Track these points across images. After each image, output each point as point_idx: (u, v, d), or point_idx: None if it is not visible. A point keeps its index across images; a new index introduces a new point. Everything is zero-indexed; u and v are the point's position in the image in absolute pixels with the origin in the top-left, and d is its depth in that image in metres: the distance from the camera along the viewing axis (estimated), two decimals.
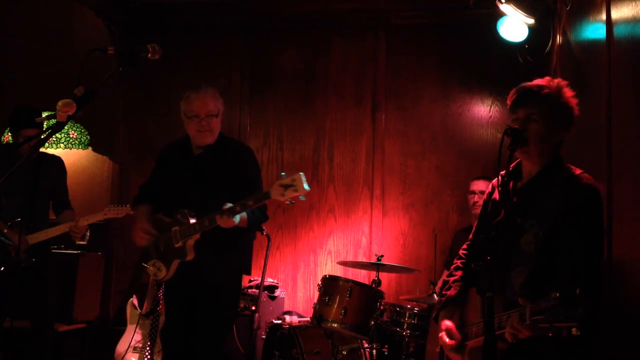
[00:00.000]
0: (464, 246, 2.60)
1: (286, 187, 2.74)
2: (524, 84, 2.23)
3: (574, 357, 2.07)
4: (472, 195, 4.34)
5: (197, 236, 3.09)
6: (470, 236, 2.60)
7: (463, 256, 2.55)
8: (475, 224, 2.60)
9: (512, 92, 2.24)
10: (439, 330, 2.43)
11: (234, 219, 2.92)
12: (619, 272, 2.37)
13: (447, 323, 2.37)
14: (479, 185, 4.30)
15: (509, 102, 2.25)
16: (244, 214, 3.03)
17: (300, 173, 2.73)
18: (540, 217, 2.13)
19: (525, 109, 2.17)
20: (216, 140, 3.31)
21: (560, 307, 1.70)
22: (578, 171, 2.17)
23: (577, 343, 2.00)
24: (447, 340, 2.34)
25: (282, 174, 2.79)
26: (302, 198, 2.75)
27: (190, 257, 3.11)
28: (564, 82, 2.21)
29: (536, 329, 1.81)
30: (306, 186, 2.71)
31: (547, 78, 2.22)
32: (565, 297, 1.71)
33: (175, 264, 3.17)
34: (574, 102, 2.19)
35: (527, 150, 2.16)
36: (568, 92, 2.19)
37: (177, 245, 3.13)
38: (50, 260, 3.99)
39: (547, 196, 2.15)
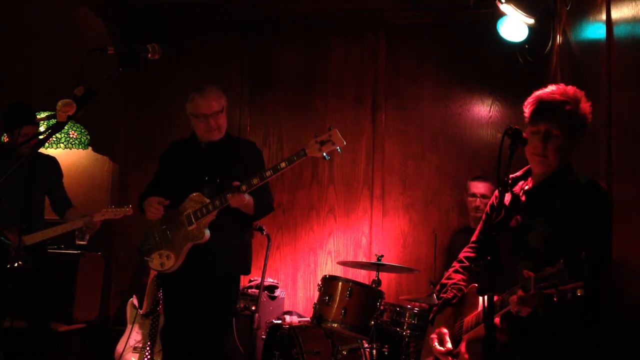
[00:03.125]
0: (466, 249, 2.60)
1: (323, 142, 2.93)
2: (543, 95, 2.22)
3: (574, 352, 2.09)
4: (474, 199, 4.27)
5: (212, 217, 3.12)
6: (474, 238, 2.60)
7: (463, 259, 2.56)
8: (479, 227, 2.61)
9: (532, 100, 2.23)
10: (432, 331, 2.43)
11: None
12: (619, 272, 2.37)
13: (443, 330, 2.37)
14: (480, 188, 4.25)
15: (527, 111, 2.24)
16: (249, 197, 3.12)
17: (335, 129, 2.95)
18: (548, 215, 2.17)
19: (546, 123, 2.18)
20: (223, 136, 3.39)
21: (565, 271, 1.73)
22: (586, 177, 2.22)
23: (578, 337, 2.07)
24: (437, 345, 2.34)
25: (316, 134, 2.99)
26: (339, 150, 2.96)
27: (206, 237, 3.16)
28: (580, 93, 2.21)
29: (540, 297, 1.82)
30: (342, 138, 2.93)
31: (563, 88, 2.21)
32: (570, 259, 1.74)
33: (186, 249, 3.18)
34: (589, 111, 2.21)
35: (546, 160, 2.20)
36: (585, 103, 2.20)
37: (190, 228, 3.16)
38: (47, 261, 3.99)
39: (556, 197, 2.19)
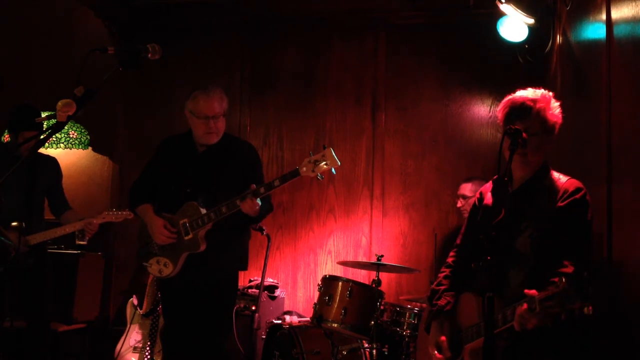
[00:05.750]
0: (452, 253, 2.61)
1: (316, 162, 2.87)
2: (514, 98, 2.30)
3: (573, 355, 2.10)
4: (457, 200, 4.31)
5: (208, 227, 3.11)
6: (458, 241, 2.61)
7: (452, 263, 2.56)
8: (462, 230, 2.62)
9: (505, 104, 2.32)
10: (430, 341, 2.45)
11: (257, 201, 2.97)
12: (619, 272, 2.37)
13: (441, 338, 2.39)
14: (462, 189, 4.26)
15: (502, 115, 2.32)
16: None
17: (330, 148, 2.87)
18: (534, 218, 2.22)
19: (522, 123, 2.23)
20: (220, 139, 3.33)
21: (571, 289, 1.75)
22: (565, 177, 2.28)
23: (576, 340, 2.10)
24: (436, 354, 2.38)
25: (310, 152, 2.93)
26: (333, 171, 2.89)
27: (202, 248, 3.14)
28: (550, 94, 2.31)
29: (546, 315, 1.84)
30: (337, 159, 2.86)
31: (533, 91, 2.31)
32: (575, 279, 1.76)
33: (183, 257, 3.17)
34: (560, 111, 2.31)
35: (525, 159, 2.26)
36: (555, 103, 2.29)
37: (187, 238, 3.14)
38: (47, 261, 3.99)
39: (539, 200, 2.24)
